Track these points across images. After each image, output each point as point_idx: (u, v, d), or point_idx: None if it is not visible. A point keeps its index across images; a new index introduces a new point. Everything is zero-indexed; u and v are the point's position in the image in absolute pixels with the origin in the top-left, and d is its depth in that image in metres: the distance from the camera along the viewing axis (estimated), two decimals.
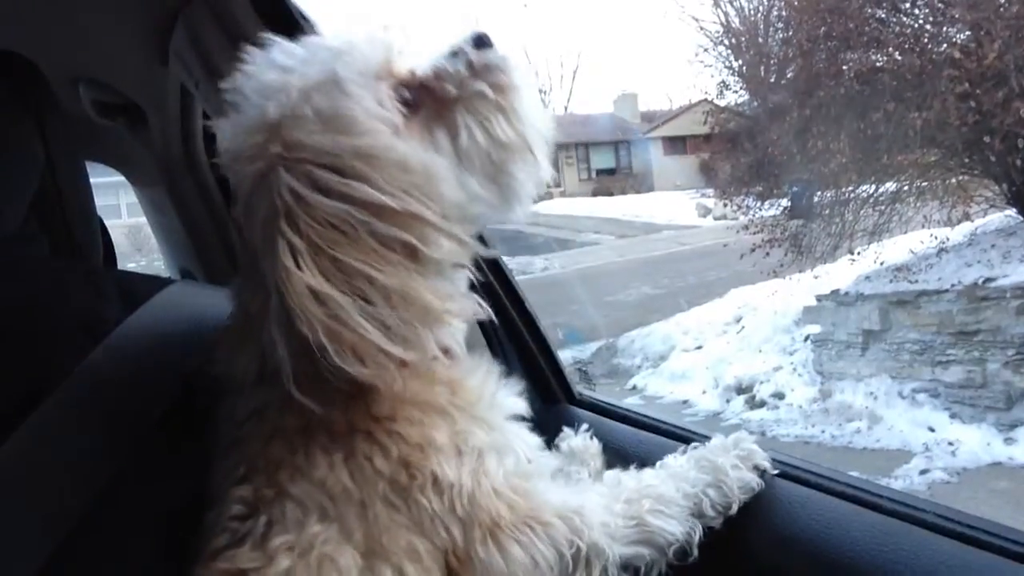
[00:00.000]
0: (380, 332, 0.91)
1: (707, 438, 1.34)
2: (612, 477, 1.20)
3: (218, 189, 2.20)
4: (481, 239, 1.11)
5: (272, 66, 1.01)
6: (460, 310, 1.03)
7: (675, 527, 1.10)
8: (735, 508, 1.17)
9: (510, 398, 1.14)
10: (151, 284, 1.38)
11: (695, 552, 1.11)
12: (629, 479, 1.18)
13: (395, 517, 0.97)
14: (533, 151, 1.11)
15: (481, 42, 1.11)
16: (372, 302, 0.92)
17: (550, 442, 1.46)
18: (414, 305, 0.95)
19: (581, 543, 1.03)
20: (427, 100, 1.08)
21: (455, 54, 1.10)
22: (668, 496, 1.13)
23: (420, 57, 1.11)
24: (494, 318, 1.08)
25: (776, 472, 1.25)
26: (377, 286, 0.92)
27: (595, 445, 1.45)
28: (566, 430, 1.48)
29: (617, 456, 1.45)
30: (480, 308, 1.05)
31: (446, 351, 1.08)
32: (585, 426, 1.49)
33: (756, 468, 1.21)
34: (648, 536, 1.09)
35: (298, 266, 0.90)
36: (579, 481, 1.33)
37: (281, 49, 1.03)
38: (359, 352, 0.90)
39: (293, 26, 1.39)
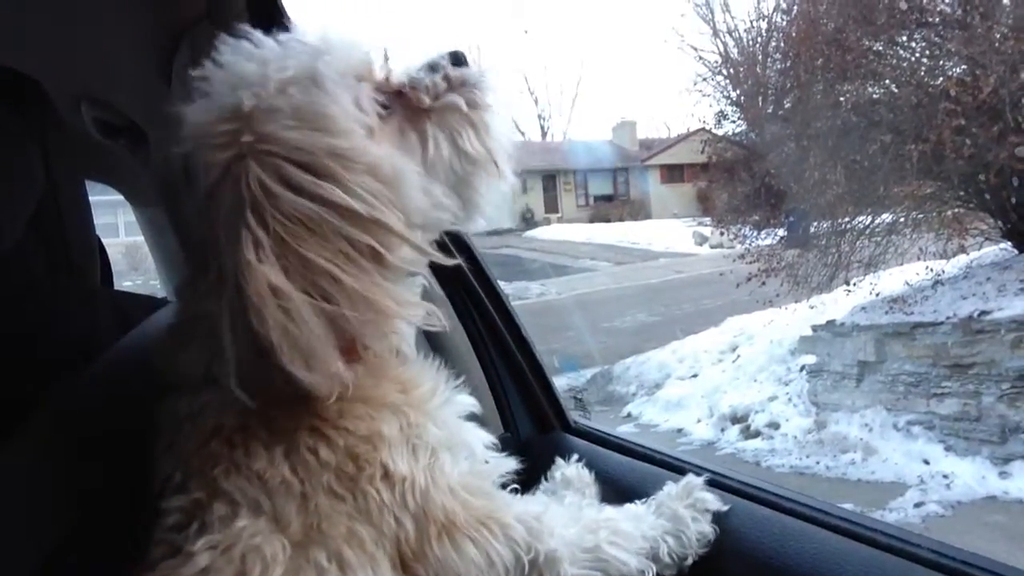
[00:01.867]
0: (330, 338, 0.90)
1: (702, 468, 1.35)
2: (574, 505, 1.21)
3: None
4: (442, 247, 1.11)
5: (249, 57, 1.00)
6: (415, 316, 1.02)
7: (631, 560, 1.12)
8: (691, 560, 1.19)
9: (462, 396, 1.13)
10: (146, 304, 1.38)
11: None
12: (591, 510, 1.20)
13: (338, 506, 0.94)
14: (498, 165, 1.14)
15: (457, 59, 1.14)
16: (334, 302, 0.91)
17: (544, 470, 1.46)
18: (374, 309, 0.94)
19: (540, 548, 1.04)
20: (400, 107, 1.10)
21: (432, 67, 1.13)
22: (627, 532, 1.15)
23: (396, 66, 1.13)
24: (446, 326, 1.08)
25: (726, 508, 1.26)
26: (342, 287, 0.91)
27: (587, 475, 1.45)
28: (558, 460, 1.48)
29: (610, 485, 1.45)
30: (433, 317, 1.05)
31: (397, 352, 1.08)
32: (576, 456, 1.49)
33: (708, 512, 1.24)
34: (603, 565, 1.10)
35: (259, 260, 0.88)
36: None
37: (258, 41, 1.02)
38: (307, 355, 0.89)
39: None
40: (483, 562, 1.00)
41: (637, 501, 1.26)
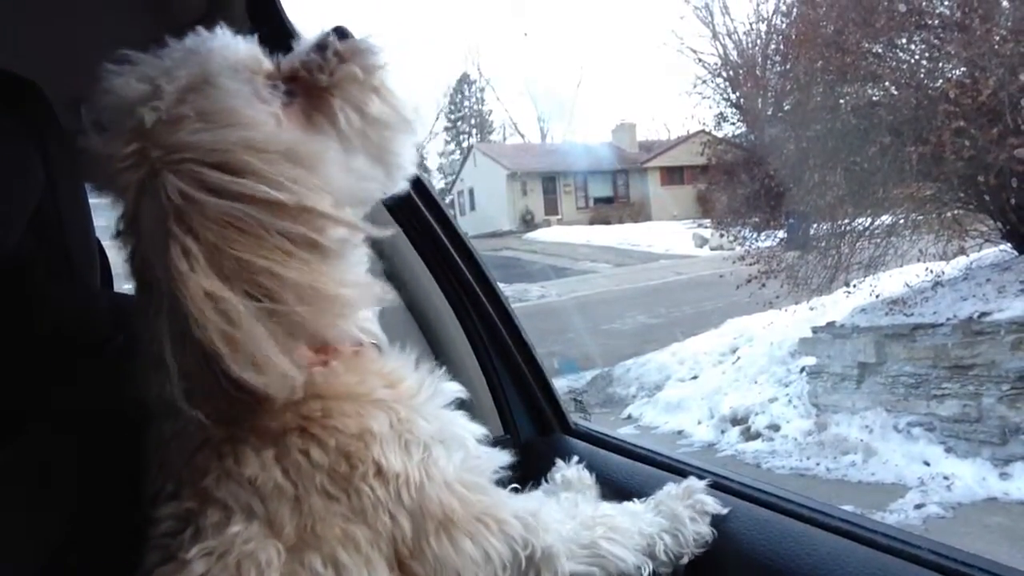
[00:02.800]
0: (276, 336, 0.89)
1: (703, 471, 1.35)
2: (570, 502, 1.20)
3: None
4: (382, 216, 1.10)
5: (138, 77, 0.99)
6: (364, 295, 1.02)
7: (628, 556, 1.12)
8: (686, 560, 1.19)
9: (447, 385, 1.12)
10: None
11: None
12: (587, 507, 1.20)
13: (332, 507, 0.94)
14: (408, 122, 1.13)
15: (342, 33, 1.13)
16: (279, 299, 0.90)
17: (544, 471, 1.46)
18: (323, 297, 0.93)
19: (536, 544, 1.04)
20: (300, 92, 1.09)
21: (320, 47, 1.12)
22: (624, 528, 1.15)
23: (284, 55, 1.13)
24: (401, 301, 1.07)
25: (726, 512, 1.26)
26: (285, 282, 0.90)
27: (588, 476, 1.45)
28: (559, 462, 1.47)
29: (611, 487, 1.45)
30: (384, 292, 1.04)
31: (372, 343, 1.08)
32: (576, 457, 1.48)
33: (707, 514, 1.24)
34: (600, 561, 1.10)
35: (192, 269, 0.87)
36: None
37: (137, 59, 1.01)
38: (256, 359, 0.88)
39: None
40: (480, 558, 0.99)
41: (636, 501, 1.26)
